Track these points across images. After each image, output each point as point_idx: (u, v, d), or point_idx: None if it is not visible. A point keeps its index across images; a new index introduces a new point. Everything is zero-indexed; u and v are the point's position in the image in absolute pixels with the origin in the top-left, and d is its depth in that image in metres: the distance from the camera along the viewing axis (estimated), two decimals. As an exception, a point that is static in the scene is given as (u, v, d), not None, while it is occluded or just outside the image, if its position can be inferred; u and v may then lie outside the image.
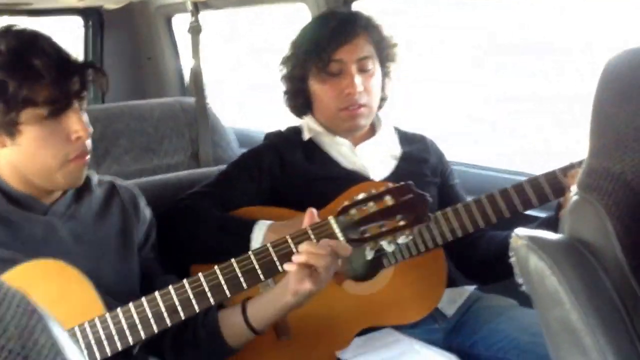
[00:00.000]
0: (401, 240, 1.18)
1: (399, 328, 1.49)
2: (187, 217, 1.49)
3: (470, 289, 1.61)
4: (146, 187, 1.72)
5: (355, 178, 1.54)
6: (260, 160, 1.58)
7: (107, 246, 1.33)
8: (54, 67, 1.16)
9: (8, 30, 1.20)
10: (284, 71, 1.64)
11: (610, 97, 0.85)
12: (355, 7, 1.85)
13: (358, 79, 1.52)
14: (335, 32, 1.54)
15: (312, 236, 1.18)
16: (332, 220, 1.17)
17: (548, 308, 0.83)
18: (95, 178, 1.39)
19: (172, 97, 2.30)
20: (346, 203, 1.17)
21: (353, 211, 1.16)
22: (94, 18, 2.55)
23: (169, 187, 1.73)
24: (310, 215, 1.22)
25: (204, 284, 1.19)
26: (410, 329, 1.49)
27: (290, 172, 1.56)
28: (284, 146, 1.60)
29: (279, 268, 1.20)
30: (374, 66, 1.56)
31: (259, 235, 1.41)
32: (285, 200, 1.55)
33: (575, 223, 0.87)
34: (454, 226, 1.41)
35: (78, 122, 1.20)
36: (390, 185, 1.18)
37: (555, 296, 0.81)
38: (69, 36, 2.58)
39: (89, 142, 1.25)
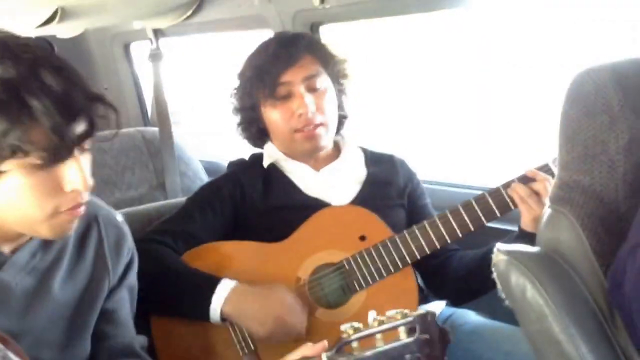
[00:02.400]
0: None
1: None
2: (146, 266, 1.37)
3: (441, 304, 1.62)
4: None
5: (316, 205, 1.52)
6: (221, 191, 1.55)
7: (60, 317, 1.10)
8: (56, 109, 0.91)
9: (6, 44, 0.93)
10: (235, 103, 1.63)
11: (577, 112, 0.89)
12: (322, 32, 1.87)
13: (308, 98, 1.50)
14: (277, 56, 1.52)
15: None
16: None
17: (531, 321, 0.85)
18: None
19: (133, 128, 2.26)
20: (345, 337, 0.90)
21: (355, 345, 0.89)
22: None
23: (136, 221, 1.65)
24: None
25: None
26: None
27: (250, 201, 1.54)
28: (245, 175, 1.58)
29: None
30: (324, 84, 1.54)
31: (220, 297, 1.37)
32: (247, 229, 1.52)
33: (550, 235, 0.90)
34: (422, 243, 1.42)
35: (77, 173, 0.98)
36: (414, 314, 0.89)
37: (537, 309, 0.83)
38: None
39: (86, 194, 1.02)
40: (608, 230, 0.87)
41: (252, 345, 1.41)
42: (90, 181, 1.01)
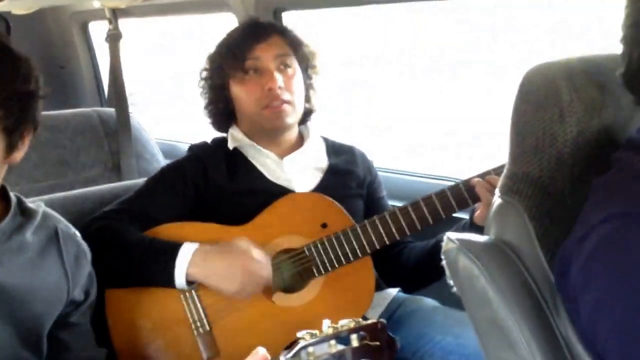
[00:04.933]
0: None
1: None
2: (102, 240, 1.40)
3: (393, 292, 1.65)
4: (64, 202, 1.65)
5: (279, 191, 1.53)
6: (183, 172, 1.55)
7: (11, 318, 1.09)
8: None
9: None
10: (203, 83, 1.62)
11: (528, 106, 0.91)
12: (285, 18, 1.86)
13: (278, 75, 1.52)
14: (249, 33, 1.54)
15: None
16: None
17: (477, 307, 0.87)
18: (39, 214, 1.14)
19: (90, 108, 2.21)
20: (302, 342, 0.94)
21: (311, 349, 0.93)
22: (-1, 23, 2.41)
23: (89, 202, 1.65)
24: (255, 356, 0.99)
25: None
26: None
27: (213, 184, 1.54)
28: (208, 158, 1.57)
29: None
30: (294, 67, 1.56)
31: (184, 260, 1.38)
32: (209, 212, 1.52)
33: (499, 225, 0.92)
34: (381, 233, 1.45)
35: None
36: (362, 322, 0.96)
37: (483, 296, 0.86)
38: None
39: None
40: (554, 221, 0.90)
41: (207, 326, 1.41)
42: None
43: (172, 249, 1.39)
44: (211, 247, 1.40)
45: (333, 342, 0.93)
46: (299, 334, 0.94)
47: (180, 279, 1.38)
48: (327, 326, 0.94)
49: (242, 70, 1.53)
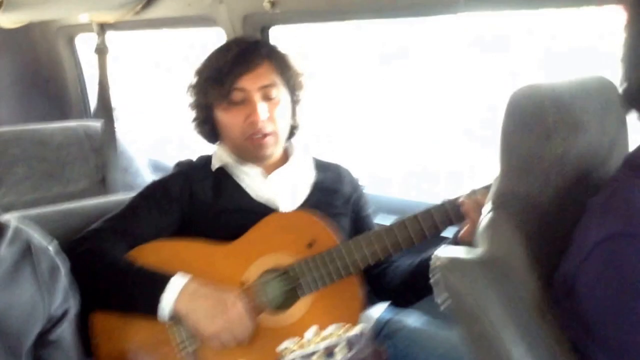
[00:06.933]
0: None
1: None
2: (89, 264, 1.39)
3: (377, 313, 1.65)
4: (50, 216, 1.63)
5: (264, 210, 1.53)
6: (168, 190, 1.54)
7: None
8: None
9: None
10: (190, 99, 1.63)
11: (515, 127, 0.93)
12: (272, 33, 1.87)
13: (262, 107, 1.52)
14: (237, 61, 1.53)
15: None
16: None
17: (467, 324, 0.89)
18: (10, 229, 1.10)
19: (76, 121, 2.20)
20: (292, 351, 0.91)
21: None
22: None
23: (75, 217, 1.64)
24: None
25: None
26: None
27: (199, 203, 1.53)
28: (193, 175, 1.57)
29: None
30: (279, 94, 1.56)
31: (171, 296, 1.37)
32: (194, 230, 1.51)
33: (488, 241, 0.94)
34: (366, 254, 1.45)
35: None
36: (351, 332, 0.92)
37: (472, 313, 0.87)
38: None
39: None
40: (543, 237, 0.92)
41: (193, 346, 1.40)
42: None
43: (160, 281, 1.38)
44: (201, 287, 1.39)
45: (317, 353, 0.89)
46: (283, 345, 0.90)
47: (163, 313, 1.37)
48: (311, 335, 0.91)
49: (227, 99, 1.53)
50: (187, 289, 1.37)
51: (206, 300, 1.38)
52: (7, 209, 1.49)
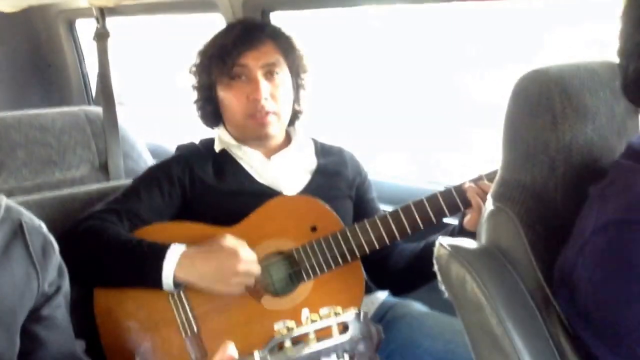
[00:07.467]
0: None
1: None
2: (90, 240, 1.40)
3: (382, 296, 1.65)
4: (51, 202, 1.63)
5: (267, 192, 1.52)
6: (170, 173, 1.53)
7: None
8: None
9: None
10: (193, 80, 1.62)
11: (520, 113, 0.91)
12: (273, 18, 1.85)
13: (264, 84, 1.51)
14: (240, 38, 1.52)
15: None
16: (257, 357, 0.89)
17: (469, 313, 0.87)
18: (1, 207, 1.10)
19: (76, 106, 2.19)
20: (284, 334, 0.88)
21: (288, 344, 0.88)
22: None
23: (76, 202, 1.64)
24: (224, 350, 0.91)
25: None
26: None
27: (200, 186, 1.53)
28: (195, 159, 1.56)
29: None
30: (282, 75, 1.55)
31: (171, 263, 1.36)
32: (196, 213, 1.51)
33: (491, 231, 0.92)
34: (372, 238, 1.44)
35: None
36: (346, 312, 0.89)
37: (475, 302, 0.86)
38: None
39: None
40: (546, 228, 0.90)
41: (195, 327, 1.40)
42: None
43: (159, 250, 1.38)
44: (198, 248, 1.39)
45: (312, 335, 0.87)
46: (275, 327, 0.86)
47: (167, 281, 1.37)
48: (305, 317, 0.88)
49: (229, 76, 1.52)
50: (186, 254, 1.38)
51: (207, 260, 1.38)
52: (8, 194, 1.48)
